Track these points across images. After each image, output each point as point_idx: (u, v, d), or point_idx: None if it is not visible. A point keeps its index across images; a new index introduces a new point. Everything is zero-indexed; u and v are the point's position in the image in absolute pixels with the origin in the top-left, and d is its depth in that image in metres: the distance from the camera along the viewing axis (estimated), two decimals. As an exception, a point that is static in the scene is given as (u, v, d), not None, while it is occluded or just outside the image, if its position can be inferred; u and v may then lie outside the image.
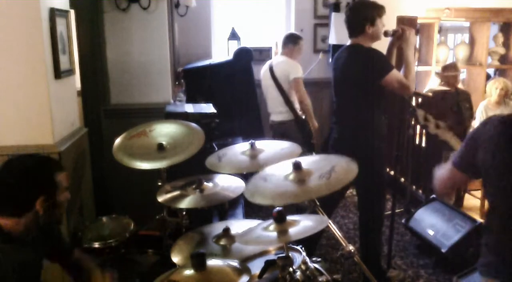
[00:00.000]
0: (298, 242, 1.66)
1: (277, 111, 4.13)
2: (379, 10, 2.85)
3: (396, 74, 2.77)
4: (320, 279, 1.61)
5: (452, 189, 1.75)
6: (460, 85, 4.60)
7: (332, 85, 3.05)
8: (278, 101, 4.08)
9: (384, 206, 3.13)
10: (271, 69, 4.10)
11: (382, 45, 2.98)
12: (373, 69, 2.77)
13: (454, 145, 1.90)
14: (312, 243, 3.16)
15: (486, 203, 1.66)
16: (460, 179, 1.70)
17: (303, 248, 1.76)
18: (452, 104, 4.15)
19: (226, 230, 1.90)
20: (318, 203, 1.81)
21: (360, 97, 2.85)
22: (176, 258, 1.80)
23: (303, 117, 4.11)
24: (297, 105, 4.09)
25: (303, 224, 1.56)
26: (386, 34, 2.88)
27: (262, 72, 4.23)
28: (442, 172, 1.75)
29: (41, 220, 1.65)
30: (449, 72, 4.48)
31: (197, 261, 1.46)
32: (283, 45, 4.20)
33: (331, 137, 3.14)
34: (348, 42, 2.94)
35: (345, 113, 3.01)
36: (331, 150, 3.05)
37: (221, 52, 5.02)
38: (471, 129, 4.46)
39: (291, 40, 4.16)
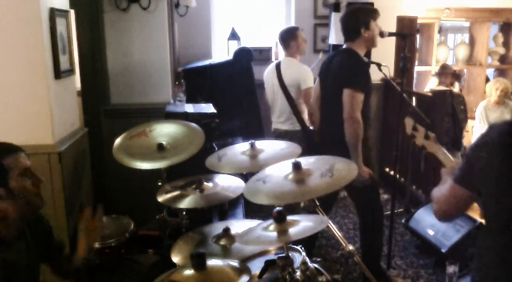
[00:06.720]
0: (297, 242, 1.66)
1: (283, 120, 3.77)
2: (373, 13, 2.88)
3: (353, 96, 2.69)
4: (320, 279, 1.61)
5: (457, 210, 1.52)
6: (456, 89, 4.62)
7: (319, 88, 3.09)
8: (285, 109, 3.73)
9: (380, 206, 3.10)
10: (279, 74, 3.71)
11: (381, 45, 3.00)
12: (343, 76, 2.77)
13: (443, 160, 1.69)
14: (309, 243, 3.16)
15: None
16: (462, 196, 1.47)
17: (303, 248, 1.76)
18: (447, 106, 4.15)
19: (226, 230, 1.90)
20: (318, 203, 1.81)
21: (337, 100, 2.80)
22: (176, 258, 1.80)
23: (311, 128, 3.71)
24: (305, 116, 3.73)
25: (303, 224, 1.56)
26: (382, 34, 2.90)
27: (266, 75, 3.88)
28: (442, 191, 1.54)
29: (12, 214, 1.56)
30: (443, 72, 4.51)
31: (197, 261, 1.46)
32: (285, 45, 3.77)
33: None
34: (344, 45, 2.95)
35: (326, 116, 3.04)
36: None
37: (221, 52, 5.01)
38: (465, 132, 4.51)
39: (291, 36, 3.72)
